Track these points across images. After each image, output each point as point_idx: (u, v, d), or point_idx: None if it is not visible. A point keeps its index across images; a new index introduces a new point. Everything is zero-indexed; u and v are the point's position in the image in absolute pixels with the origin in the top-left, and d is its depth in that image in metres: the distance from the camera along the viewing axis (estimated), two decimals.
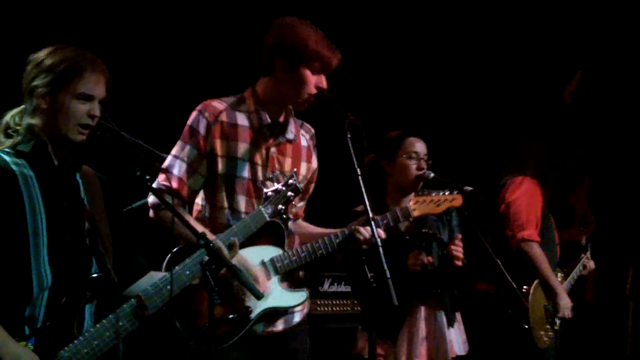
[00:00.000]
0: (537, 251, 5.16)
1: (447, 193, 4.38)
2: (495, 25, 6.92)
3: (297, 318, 3.95)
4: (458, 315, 4.74)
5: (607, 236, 6.36)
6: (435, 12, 6.84)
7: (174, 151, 3.84)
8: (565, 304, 5.22)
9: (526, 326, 5.03)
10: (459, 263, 4.56)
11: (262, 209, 3.64)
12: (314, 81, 3.83)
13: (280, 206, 3.67)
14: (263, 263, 3.80)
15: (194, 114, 3.85)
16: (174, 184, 3.78)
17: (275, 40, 3.85)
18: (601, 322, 7.03)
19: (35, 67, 3.06)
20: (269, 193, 3.65)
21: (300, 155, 3.99)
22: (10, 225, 2.95)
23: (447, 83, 6.91)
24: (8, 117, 3.11)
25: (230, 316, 3.71)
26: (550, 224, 5.40)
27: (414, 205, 4.24)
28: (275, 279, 3.82)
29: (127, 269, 3.29)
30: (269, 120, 3.88)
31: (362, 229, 3.87)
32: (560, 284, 5.29)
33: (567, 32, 6.97)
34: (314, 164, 4.10)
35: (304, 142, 4.04)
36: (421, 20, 6.81)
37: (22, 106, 3.11)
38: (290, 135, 3.95)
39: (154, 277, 3.26)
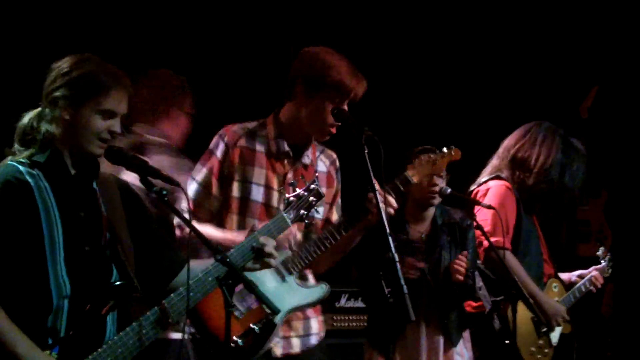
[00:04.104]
0: (508, 258, 4.71)
1: (444, 150, 4.18)
2: (514, 41, 6.92)
3: (313, 340, 3.99)
4: (466, 334, 4.71)
5: (624, 250, 6.31)
6: (452, 28, 6.85)
7: (192, 172, 3.95)
8: (552, 308, 4.88)
9: (507, 342, 4.65)
10: (460, 277, 4.53)
11: (285, 215, 3.61)
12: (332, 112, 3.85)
13: (302, 211, 3.63)
14: (276, 268, 3.81)
15: (214, 138, 3.95)
16: (190, 205, 3.84)
17: (299, 66, 3.93)
18: (618, 337, 6.98)
19: (61, 78, 3.05)
20: (291, 198, 3.64)
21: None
22: (26, 236, 2.95)
23: (466, 98, 6.91)
24: (26, 120, 3.10)
25: (255, 326, 3.70)
26: (531, 231, 5.04)
27: (412, 172, 4.07)
28: (290, 279, 3.85)
29: (166, 265, 3.29)
30: (287, 148, 3.93)
31: (371, 197, 3.77)
32: (540, 290, 4.92)
33: (584, 47, 6.96)
34: (335, 188, 4.10)
35: (322, 167, 4.06)
36: (438, 35, 6.82)
37: (39, 109, 3.10)
38: (306, 160, 3.99)
39: (193, 266, 3.24)
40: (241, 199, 3.90)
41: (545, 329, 4.89)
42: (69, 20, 5.46)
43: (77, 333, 2.98)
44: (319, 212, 3.96)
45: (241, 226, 3.88)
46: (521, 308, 4.76)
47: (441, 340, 4.61)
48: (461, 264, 4.53)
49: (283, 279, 3.84)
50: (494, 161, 5.04)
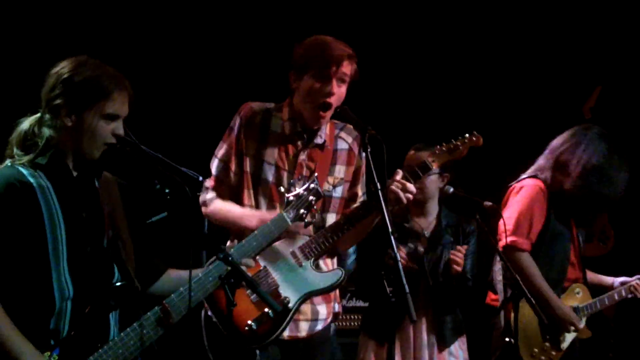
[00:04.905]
0: (524, 259, 4.67)
1: (466, 136, 4.12)
2: (516, 42, 6.91)
3: (319, 326, 4.01)
4: (463, 338, 4.71)
5: (626, 251, 6.30)
6: (456, 28, 6.84)
7: (216, 150, 4.03)
8: (563, 313, 4.80)
9: (507, 339, 4.57)
10: (458, 268, 4.53)
11: (284, 214, 3.65)
12: (319, 89, 3.86)
13: (302, 210, 3.68)
14: (293, 253, 3.85)
15: (234, 116, 4.02)
16: (211, 182, 3.98)
17: (291, 58, 3.97)
18: (620, 338, 6.96)
19: (61, 84, 3.04)
20: (291, 198, 3.67)
21: (332, 159, 4.02)
22: (30, 238, 2.95)
23: (469, 98, 6.90)
24: (26, 125, 3.09)
25: (270, 310, 3.72)
26: (560, 234, 4.92)
27: (432, 158, 4.03)
28: (307, 264, 3.87)
29: (145, 271, 3.31)
30: (299, 129, 3.96)
31: (392, 187, 3.80)
32: (555, 295, 4.82)
33: (586, 47, 6.95)
34: (355, 165, 4.08)
35: (342, 145, 4.07)
36: (440, 35, 6.82)
37: (38, 115, 3.09)
38: (318, 140, 4.00)
39: (172, 275, 3.34)
40: (253, 175, 3.95)
41: (551, 333, 4.85)
42: (64, 21, 5.45)
43: (78, 334, 2.99)
44: (337, 192, 4.01)
45: (256, 203, 3.93)
46: (526, 310, 4.69)
47: (436, 340, 4.62)
48: (458, 254, 4.54)
49: (300, 264, 3.85)
50: (540, 160, 4.93)
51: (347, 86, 3.93)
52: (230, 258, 3.11)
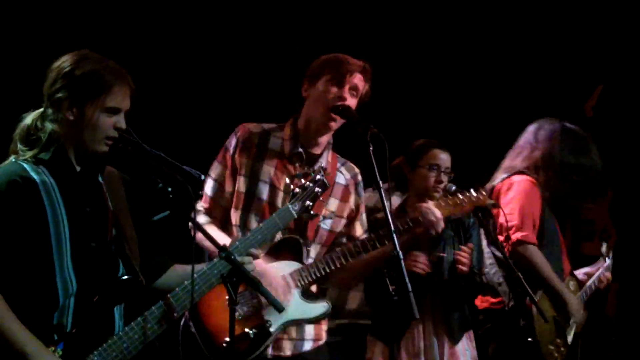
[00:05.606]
0: (536, 254, 4.70)
1: (472, 192, 4.23)
2: (518, 40, 6.92)
3: (306, 346, 3.98)
4: (470, 334, 4.71)
5: (629, 250, 6.31)
6: (457, 26, 6.84)
7: (209, 171, 3.99)
8: (575, 306, 4.87)
9: (530, 339, 4.66)
10: (464, 268, 4.53)
11: (290, 206, 3.62)
12: (332, 93, 3.87)
13: (307, 202, 3.64)
14: (283, 277, 3.83)
15: (230, 135, 4.00)
16: (206, 204, 3.97)
17: (306, 69, 4.01)
18: (622, 337, 6.97)
19: (62, 78, 3.05)
20: (296, 190, 3.64)
21: (330, 190, 3.99)
22: (33, 234, 2.95)
23: (471, 96, 6.90)
24: (29, 120, 3.10)
25: (250, 331, 3.72)
26: (554, 228, 4.98)
27: (435, 205, 4.15)
28: (295, 292, 3.84)
29: (150, 266, 3.30)
30: (300, 149, 3.94)
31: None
32: (566, 287, 4.90)
33: (588, 46, 6.96)
34: (353, 203, 4.09)
35: (340, 179, 4.07)
36: (442, 33, 6.82)
37: (41, 110, 3.10)
38: (318, 165, 3.96)
39: (178, 270, 3.33)
40: (247, 194, 3.92)
41: (562, 328, 4.87)
42: (66, 18, 5.44)
43: (83, 328, 2.99)
44: (326, 224, 4.00)
45: (243, 222, 3.91)
46: (546, 305, 4.74)
47: (445, 337, 4.62)
48: (464, 255, 4.55)
49: (289, 290, 3.83)
50: (515, 161, 4.97)
51: (357, 104, 3.95)
52: (232, 257, 3.11)
